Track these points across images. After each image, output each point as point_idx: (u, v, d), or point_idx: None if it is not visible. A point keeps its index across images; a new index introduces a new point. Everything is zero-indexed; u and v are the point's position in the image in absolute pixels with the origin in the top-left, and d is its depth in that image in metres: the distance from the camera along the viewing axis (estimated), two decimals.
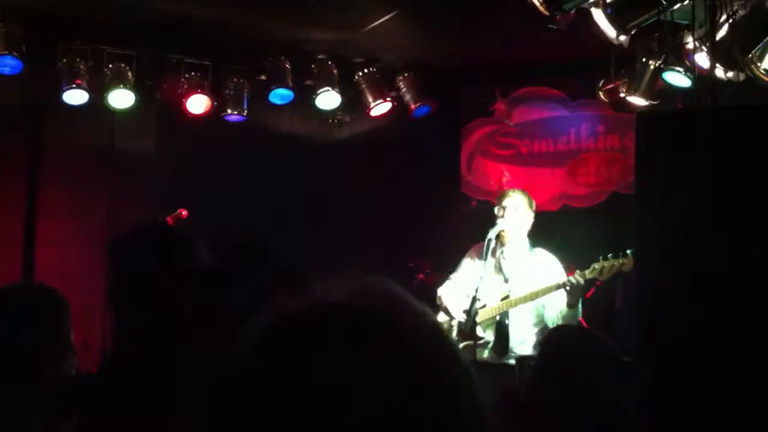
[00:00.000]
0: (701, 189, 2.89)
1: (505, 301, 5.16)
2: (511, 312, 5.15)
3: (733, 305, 2.81)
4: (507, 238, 5.25)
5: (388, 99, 7.13)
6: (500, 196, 5.46)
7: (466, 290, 5.24)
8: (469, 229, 5.97)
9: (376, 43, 6.83)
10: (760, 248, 2.73)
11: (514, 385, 4.06)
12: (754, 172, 2.72)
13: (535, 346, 4.89)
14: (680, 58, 5.23)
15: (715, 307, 2.85)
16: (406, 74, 7.17)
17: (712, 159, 2.88)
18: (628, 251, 4.85)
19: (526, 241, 5.30)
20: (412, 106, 7.13)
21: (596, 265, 4.97)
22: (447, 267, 6.04)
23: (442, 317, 5.35)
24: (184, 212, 5.66)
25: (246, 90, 6.87)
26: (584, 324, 6.21)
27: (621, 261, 4.91)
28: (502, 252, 5.29)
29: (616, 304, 6.51)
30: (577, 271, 4.99)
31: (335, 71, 6.97)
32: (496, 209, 5.31)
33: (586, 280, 4.94)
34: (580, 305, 5.12)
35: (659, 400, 2.92)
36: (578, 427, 2.17)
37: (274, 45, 6.81)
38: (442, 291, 5.41)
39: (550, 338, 2.50)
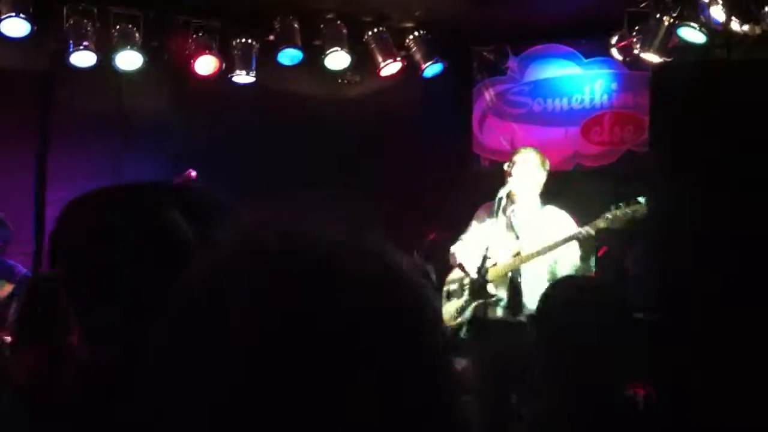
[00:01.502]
0: (716, 141, 2.84)
1: (516, 257, 5.12)
2: (524, 269, 5.11)
3: (751, 260, 2.77)
4: (517, 196, 5.20)
5: (398, 59, 7.05)
6: (512, 153, 5.40)
7: (477, 249, 5.20)
8: (481, 189, 5.90)
9: (386, 1, 6.74)
10: None
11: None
12: None
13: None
14: (695, 13, 5.14)
15: (732, 263, 2.81)
16: (416, 33, 7.08)
17: (728, 111, 2.82)
18: (639, 198, 4.77)
19: (537, 199, 5.23)
20: (423, 65, 7.05)
21: (608, 215, 4.89)
22: (458, 226, 6.01)
23: (456, 274, 5.32)
24: (193, 173, 5.65)
25: (254, 51, 6.81)
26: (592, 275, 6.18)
27: (633, 208, 4.84)
28: (512, 210, 5.24)
29: (627, 270, 6.46)
30: (590, 222, 4.93)
31: (344, 31, 6.90)
32: (506, 166, 5.25)
33: (597, 230, 4.87)
34: (593, 261, 5.06)
35: (675, 360, 2.89)
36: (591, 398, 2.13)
37: (282, 5, 6.74)
38: (454, 249, 5.38)
39: (557, 292, 2.42)
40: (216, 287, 0.62)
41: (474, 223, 5.37)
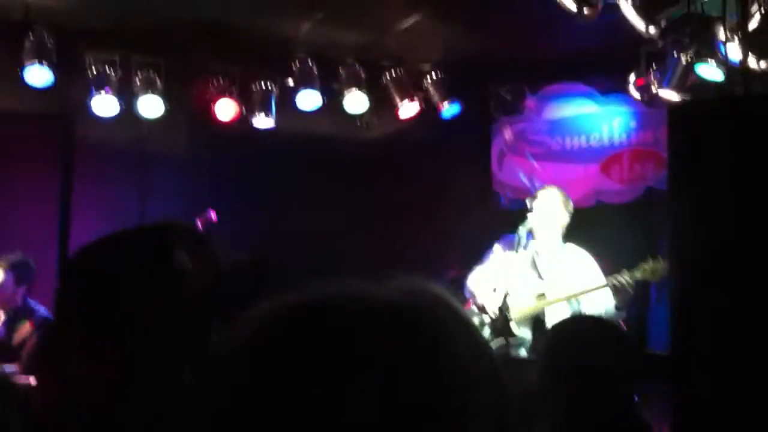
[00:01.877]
0: (735, 178, 2.83)
1: (541, 300, 5.08)
2: (547, 309, 5.07)
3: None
4: (538, 233, 5.17)
5: (416, 100, 7.10)
6: (537, 189, 5.40)
7: (494, 283, 5.15)
8: (502, 226, 5.90)
9: (403, 44, 6.80)
10: None
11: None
12: None
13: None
14: (712, 50, 5.15)
15: (751, 301, 2.79)
16: (433, 74, 7.14)
17: (745, 148, 2.81)
18: (659, 256, 4.73)
19: (558, 237, 5.21)
20: (441, 106, 7.10)
21: (646, 266, 4.81)
22: (476, 264, 6.00)
23: (473, 313, 5.28)
24: (213, 214, 5.67)
25: (273, 94, 6.88)
26: (621, 321, 6.14)
27: (654, 267, 4.79)
28: (536, 251, 5.22)
29: (652, 300, 6.42)
30: (625, 271, 4.84)
31: (362, 74, 6.96)
32: (528, 201, 5.24)
33: (636, 281, 4.80)
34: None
35: (695, 395, 2.86)
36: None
37: (300, 49, 6.82)
38: (471, 283, 5.32)
39: (565, 328, 2.39)
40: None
41: (490, 257, 5.34)
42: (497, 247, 5.32)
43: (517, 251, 5.01)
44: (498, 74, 7.38)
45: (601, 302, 4.90)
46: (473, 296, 5.24)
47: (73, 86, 6.59)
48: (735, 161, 2.85)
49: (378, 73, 7.08)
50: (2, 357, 5.21)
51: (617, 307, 4.81)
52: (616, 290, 4.78)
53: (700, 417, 2.90)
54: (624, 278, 4.76)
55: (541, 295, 5.11)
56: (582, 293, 4.93)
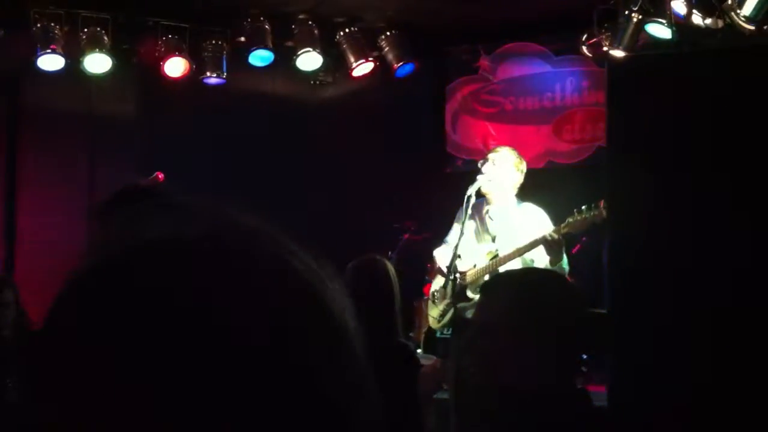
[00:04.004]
0: (673, 134, 2.84)
1: (493, 260, 5.09)
2: (501, 270, 5.08)
3: (706, 250, 2.77)
4: (492, 194, 5.16)
5: (371, 59, 7.04)
6: (488, 151, 5.38)
7: (451, 249, 5.16)
8: (456, 188, 5.89)
9: (358, 1, 6.73)
10: (728, 191, 2.68)
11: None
12: (721, 113, 2.67)
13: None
14: (662, 9, 5.15)
15: (687, 254, 2.81)
16: (388, 33, 7.07)
17: (683, 102, 2.82)
18: (601, 203, 4.77)
19: (513, 198, 5.20)
20: (395, 65, 7.04)
21: (570, 219, 4.89)
22: (432, 226, 6.00)
23: (438, 281, 5.29)
24: (161, 176, 5.60)
25: (225, 52, 6.78)
26: (569, 280, 6.19)
27: (592, 213, 4.83)
28: (487, 211, 5.21)
29: (604, 260, 6.47)
30: (554, 227, 4.92)
31: (316, 31, 6.88)
32: (479, 164, 5.22)
33: (561, 235, 4.86)
34: (564, 263, 5.04)
35: (635, 353, 2.89)
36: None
37: (253, 6, 6.71)
38: (437, 253, 5.33)
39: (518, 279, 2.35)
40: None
41: (455, 225, 5.33)
42: (458, 215, 5.31)
43: (465, 214, 5.00)
44: (453, 34, 7.33)
45: (542, 259, 4.93)
46: (435, 264, 5.26)
47: (18, 43, 6.44)
48: (674, 116, 2.86)
49: (332, 31, 7.00)
50: None
51: (551, 261, 4.85)
52: (547, 244, 4.83)
53: (633, 376, 2.93)
54: (549, 233, 4.81)
55: (495, 256, 5.12)
56: (519, 251, 4.94)
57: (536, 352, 1.97)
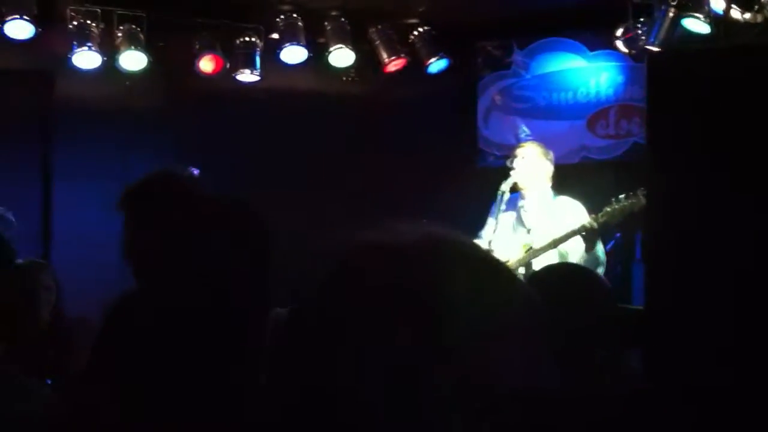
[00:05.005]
0: (714, 130, 2.80)
1: (528, 252, 5.08)
2: (536, 263, 5.07)
3: (745, 249, 2.73)
4: (527, 189, 5.16)
5: (403, 55, 7.03)
6: (514, 148, 5.39)
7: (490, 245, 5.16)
8: (487, 184, 5.88)
9: None
10: None
11: None
12: (764, 110, 2.63)
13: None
14: (698, 3, 5.09)
15: (727, 255, 2.78)
16: (420, 29, 7.06)
17: (724, 99, 2.78)
18: (639, 191, 4.76)
19: (549, 190, 5.19)
20: (427, 61, 7.03)
21: (608, 208, 4.89)
22: (464, 222, 5.98)
23: None
24: (195, 171, 5.63)
25: (258, 49, 6.81)
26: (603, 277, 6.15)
27: (630, 201, 4.83)
28: (522, 206, 5.21)
29: (637, 256, 6.42)
30: (591, 215, 4.92)
31: (348, 28, 6.88)
32: (508, 161, 5.23)
33: (599, 224, 4.85)
34: (601, 253, 5.01)
35: (669, 348, 2.86)
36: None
37: (285, 2, 6.73)
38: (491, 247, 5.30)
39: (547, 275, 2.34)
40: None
41: (489, 220, 5.33)
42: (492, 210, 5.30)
43: (498, 209, 5.01)
44: (485, 29, 7.30)
45: (577, 249, 4.92)
46: None
47: (53, 41, 6.51)
48: (714, 112, 2.83)
49: (364, 28, 7.00)
50: None
51: (586, 250, 4.85)
52: (583, 235, 4.83)
53: (669, 374, 2.90)
54: (588, 222, 4.81)
55: (529, 249, 5.11)
56: (555, 242, 4.94)
57: (543, 353, 1.96)
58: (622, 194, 4.93)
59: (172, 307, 1.74)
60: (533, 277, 2.39)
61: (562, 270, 2.64)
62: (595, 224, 4.83)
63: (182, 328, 1.67)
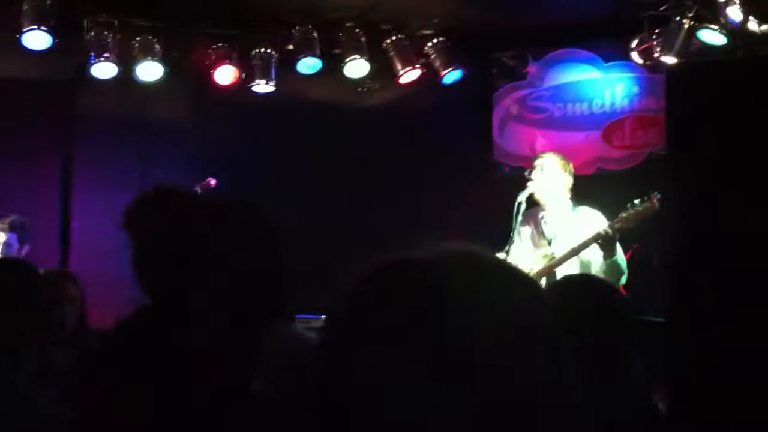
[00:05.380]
0: (734, 142, 2.80)
1: (550, 262, 5.07)
2: (558, 272, 5.05)
3: (765, 261, 2.72)
4: (546, 200, 5.15)
5: (418, 66, 7.05)
6: (533, 158, 5.38)
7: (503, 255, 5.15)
8: (503, 195, 5.88)
9: (405, 8, 6.74)
10: None
11: None
12: None
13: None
14: (715, 14, 5.09)
15: (746, 266, 2.77)
16: (435, 40, 7.07)
17: (744, 111, 2.78)
18: (653, 195, 4.75)
19: (567, 202, 5.18)
20: (442, 72, 7.04)
21: (623, 214, 4.88)
22: (479, 233, 5.96)
23: None
24: (213, 181, 5.67)
25: (273, 60, 6.83)
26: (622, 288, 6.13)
27: (645, 206, 4.82)
28: (542, 217, 5.19)
29: (655, 264, 6.41)
30: (608, 222, 4.92)
31: (363, 39, 6.90)
32: (527, 172, 5.22)
33: (614, 230, 4.84)
34: (622, 261, 4.98)
35: (691, 356, 2.85)
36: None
37: (301, 14, 6.76)
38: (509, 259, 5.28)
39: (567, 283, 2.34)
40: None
41: (516, 233, 5.29)
42: (520, 227, 5.28)
43: (515, 220, 5.00)
44: (500, 40, 7.31)
45: (597, 256, 4.92)
46: None
47: (71, 51, 6.55)
48: (734, 124, 2.82)
49: (379, 38, 7.02)
50: None
51: (604, 258, 4.84)
52: (600, 240, 4.82)
53: (695, 383, 2.89)
54: (604, 228, 4.81)
55: (551, 258, 5.10)
56: (575, 250, 4.93)
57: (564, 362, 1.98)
58: (637, 200, 4.93)
59: (171, 309, 1.77)
60: (550, 288, 2.39)
61: (578, 281, 2.64)
62: (610, 231, 4.82)
63: (178, 329, 1.68)
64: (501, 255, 5.22)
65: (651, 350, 3.26)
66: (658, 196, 4.73)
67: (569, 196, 5.16)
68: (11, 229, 5.54)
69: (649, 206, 4.79)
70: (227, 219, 1.81)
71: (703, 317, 2.82)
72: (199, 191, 5.46)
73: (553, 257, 5.05)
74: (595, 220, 5.04)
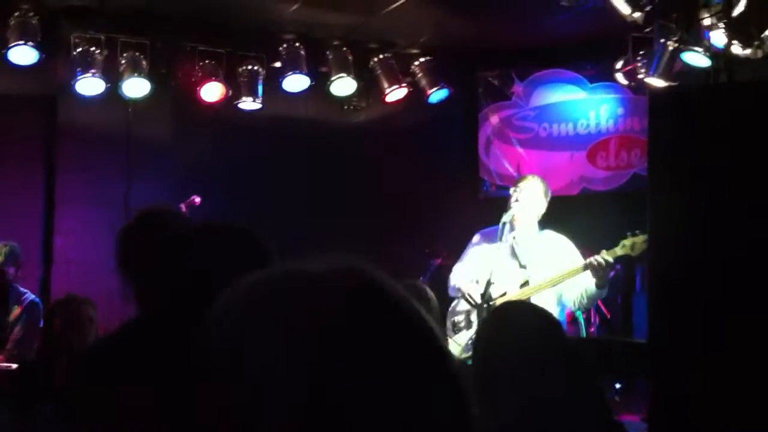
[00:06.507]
0: (715, 166, 2.83)
1: (525, 288, 5.05)
2: (533, 298, 5.04)
3: (747, 283, 2.75)
4: (518, 221, 5.14)
5: (404, 84, 7.08)
6: (517, 180, 5.37)
7: (476, 275, 5.12)
8: (487, 214, 5.89)
9: (391, 27, 6.78)
10: None
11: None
12: (763, 145, 2.66)
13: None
14: (698, 37, 5.14)
15: (729, 285, 2.79)
16: (421, 59, 7.11)
17: (726, 136, 2.81)
18: (638, 231, 4.73)
19: (535, 225, 5.19)
20: (428, 91, 7.08)
21: (626, 242, 4.79)
22: (463, 252, 6.00)
23: (461, 306, 5.23)
24: (197, 199, 5.66)
25: (260, 77, 6.84)
26: (602, 306, 6.14)
27: (638, 241, 4.78)
28: (514, 237, 5.18)
29: (637, 288, 6.44)
30: (603, 251, 4.82)
31: (350, 57, 6.93)
32: (511, 191, 5.22)
33: (615, 258, 4.78)
34: (606, 287, 4.97)
35: (673, 380, 2.87)
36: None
37: (288, 31, 6.78)
38: (453, 278, 5.28)
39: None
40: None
41: (472, 247, 5.30)
42: (476, 239, 5.29)
43: (500, 240, 4.99)
44: (486, 60, 7.36)
45: (581, 283, 4.87)
46: (458, 290, 5.17)
47: (57, 67, 6.54)
48: (716, 149, 2.85)
49: (366, 57, 7.05)
50: None
51: (597, 285, 4.79)
52: (594, 269, 4.76)
53: (677, 407, 2.90)
54: (601, 257, 4.74)
55: (525, 283, 5.08)
56: (561, 277, 4.91)
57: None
58: (619, 230, 4.89)
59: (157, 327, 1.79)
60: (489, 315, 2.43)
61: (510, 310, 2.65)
62: (610, 259, 4.76)
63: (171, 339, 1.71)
64: (457, 271, 5.21)
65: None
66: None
67: (538, 219, 5.16)
68: (6, 263, 5.51)
69: (644, 243, 4.74)
70: (225, 247, 1.83)
71: (683, 346, 2.83)
72: (184, 209, 5.44)
73: (527, 282, 5.03)
74: (563, 246, 5.03)
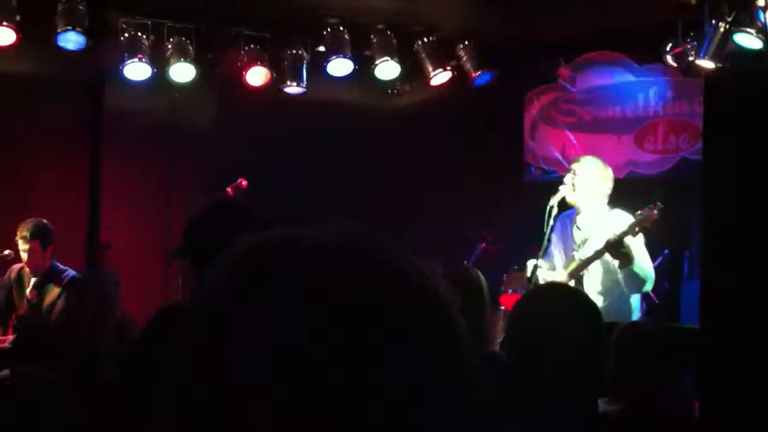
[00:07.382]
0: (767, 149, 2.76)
1: (571, 269, 5.00)
2: (585, 278, 4.98)
3: None
4: (580, 204, 5.06)
5: (448, 68, 7.03)
6: (572, 161, 5.30)
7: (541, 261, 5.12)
8: (533, 198, 5.84)
9: (436, 11, 6.73)
10: None
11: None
12: None
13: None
14: (751, 17, 5.03)
15: None
16: (465, 43, 7.05)
17: None
18: (657, 204, 4.66)
19: (603, 207, 5.08)
20: (473, 74, 7.02)
21: (638, 214, 4.79)
22: (508, 235, 5.97)
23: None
24: (244, 182, 5.70)
25: (305, 61, 6.85)
26: (650, 292, 6.06)
27: (642, 215, 4.70)
28: (575, 221, 5.12)
29: (684, 273, 6.35)
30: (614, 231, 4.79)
31: (394, 41, 6.90)
32: (566, 176, 5.14)
33: (623, 233, 4.69)
34: (641, 269, 4.84)
35: (721, 368, 2.82)
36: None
37: (332, 15, 6.77)
38: (530, 264, 5.21)
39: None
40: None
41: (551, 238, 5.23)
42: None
43: (547, 223, 4.94)
44: (531, 43, 7.28)
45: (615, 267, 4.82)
46: (510, 274, 5.22)
47: (104, 53, 6.60)
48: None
49: (410, 40, 7.01)
50: (34, 319, 5.29)
51: (620, 266, 4.71)
52: (611, 251, 4.69)
53: (728, 395, 2.86)
54: (612, 234, 4.67)
55: (570, 265, 5.05)
56: (589, 259, 4.85)
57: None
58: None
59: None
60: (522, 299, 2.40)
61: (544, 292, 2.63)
62: (617, 235, 4.70)
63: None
64: (534, 259, 5.17)
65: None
66: (661, 206, 4.65)
67: (606, 201, 5.06)
68: (32, 237, 5.58)
69: (649, 216, 4.68)
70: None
71: (734, 333, 2.78)
72: (231, 192, 5.48)
73: (580, 260, 4.99)
74: (623, 223, 4.95)
